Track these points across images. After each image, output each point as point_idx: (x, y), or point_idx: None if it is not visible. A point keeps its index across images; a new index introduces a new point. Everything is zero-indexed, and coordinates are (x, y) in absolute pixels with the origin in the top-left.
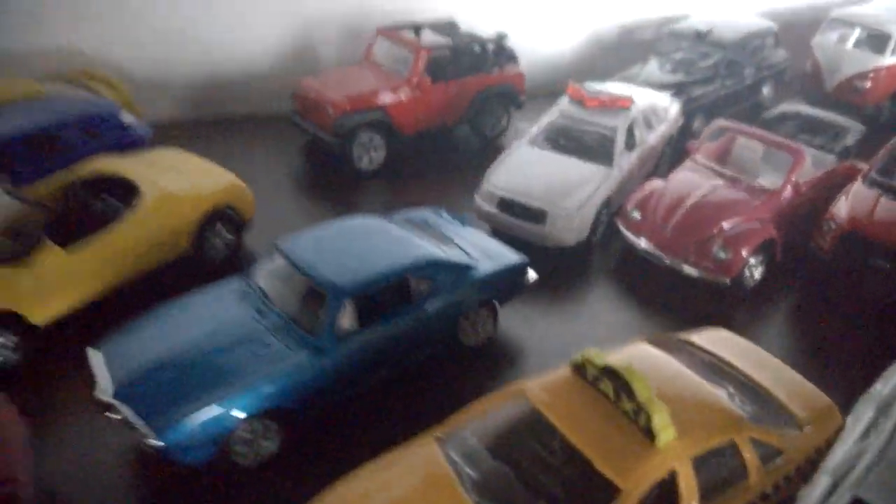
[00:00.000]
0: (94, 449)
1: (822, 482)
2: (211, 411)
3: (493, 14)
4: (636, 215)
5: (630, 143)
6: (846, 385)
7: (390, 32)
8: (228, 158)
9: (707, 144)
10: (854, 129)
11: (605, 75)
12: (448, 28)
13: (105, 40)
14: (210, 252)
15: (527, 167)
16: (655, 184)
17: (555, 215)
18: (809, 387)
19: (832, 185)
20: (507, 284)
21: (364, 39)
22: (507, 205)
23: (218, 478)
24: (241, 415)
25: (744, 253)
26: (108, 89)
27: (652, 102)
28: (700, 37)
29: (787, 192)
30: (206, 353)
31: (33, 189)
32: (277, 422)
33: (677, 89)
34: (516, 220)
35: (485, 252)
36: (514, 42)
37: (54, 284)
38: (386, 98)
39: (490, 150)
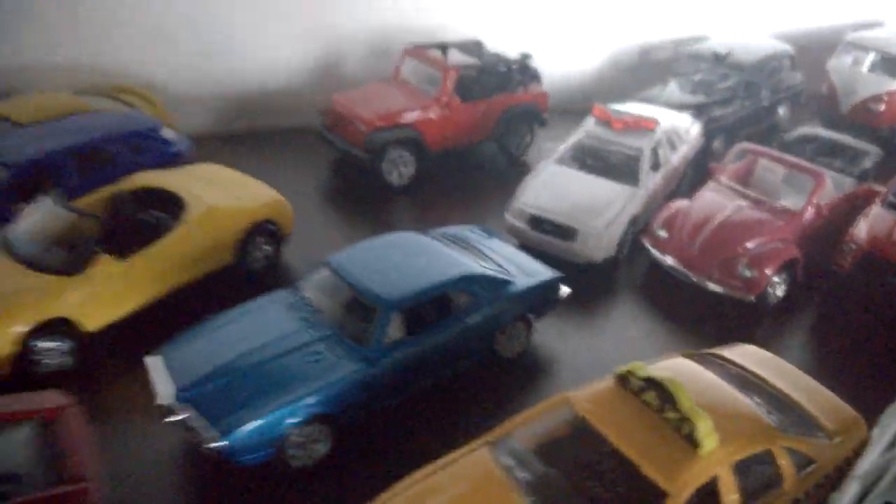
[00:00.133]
0: (143, 450)
1: (852, 488)
2: (270, 416)
3: (513, 34)
4: (662, 233)
5: (655, 164)
6: (865, 398)
7: (418, 52)
8: (258, 171)
9: (730, 166)
10: (872, 153)
11: (622, 95)
12: (474, 48)
13: (137, 56)
14: (252, 264)
15: (556, 186)
16: (680, 203)
17: (585, 233)
18: (836, 400)
19: (851, 207)
20: (542, 299)
21: (387, 57)
22: (537, 222)
23: (267, 479)
24: (296, 419)
25: (768, 271)
26: (144, 104)
27: (674, 124)
28: (719, 59)
29: (809, 213)
30: (262, 362)
31: (81, 202)
32: (328, 426)
33: (697, 110)
34: (546, 236)
35: (520, 267)
36: (536, 62)
37: (107, 293)
38: (416, 116)
39: (514, 167)
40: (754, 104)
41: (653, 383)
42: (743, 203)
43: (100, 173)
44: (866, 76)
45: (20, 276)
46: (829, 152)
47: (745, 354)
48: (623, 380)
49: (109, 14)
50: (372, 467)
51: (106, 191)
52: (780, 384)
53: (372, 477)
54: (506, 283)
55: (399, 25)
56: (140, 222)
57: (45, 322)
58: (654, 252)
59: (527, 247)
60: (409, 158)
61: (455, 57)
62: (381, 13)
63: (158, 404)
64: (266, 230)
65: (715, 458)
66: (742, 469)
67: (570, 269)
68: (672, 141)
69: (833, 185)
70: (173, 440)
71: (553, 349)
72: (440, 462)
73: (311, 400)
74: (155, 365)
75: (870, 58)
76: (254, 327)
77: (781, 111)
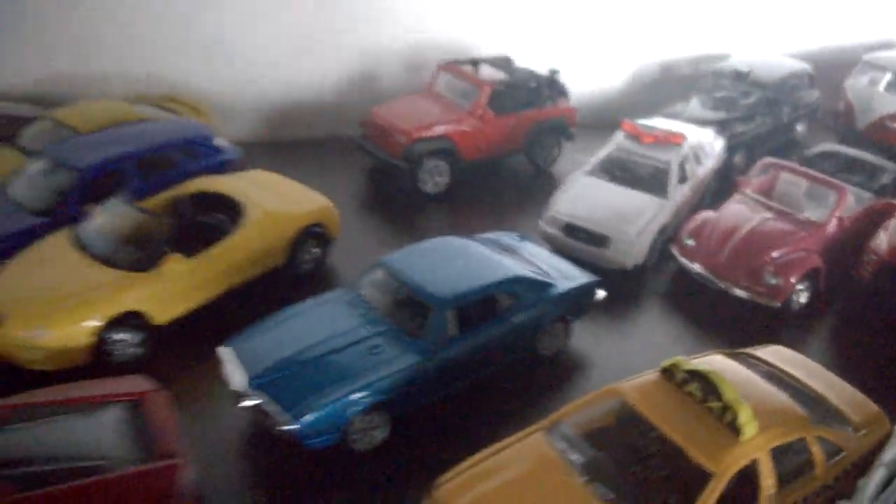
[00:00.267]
0: (210, 433)
1: (879, 473)
2: (337, 403)
3: (539, 50)
4: (690, 242)
5: (682, 177)
6: (886, 396)
7: (452, 67)
8: (299, 179)
9: (755, 179)
10: (889, 169)
11: (645, 110)
12: (504, 63)
13: (194, 68)
14: (301, 266)
15: (589, 196)
16: (707, 214)
17: (617, 240)
18: (861, 396)
19: (870, 221)
20: (580, 301)
21: (420, 71)
22: (571, 229)
23: (328, 461)
24: (359, 406)
25: (793, 279)
26: (193, 113)
27: (699, 139)
28: (741, 77)
29: (833, 225)
30: (327, 353)
31: (144, 204)
32: (387, 414)
33: (720, 126)
34: (579, 243)
35: (559, 271)
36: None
37: (176, 289)
38: (452, 128)
39: (541, 178)
40: (774, 121)
41: (696, 376)
42: (768, 215)
43: (160, 178)
44: (882, 95)
45: (96, 272)
46: (848, 168)
47: (775, 354)
48: (668, 373)
49: (167, 30)
50: (425, 454)
51: (167, 194)
52: (809, 381)
53: (425, 462)
54: (548, 285)
55: (428, 42)
56: (201, 224)
57: (119, 315)
58: (682, 259)
59: (559, 253)
60: (445, 168)
61: (486, 72)
62: (415, 33)
63: (232, 390)
64: (315, 233)
65: (755, 443)
66: (778, 455)
67: (601, 275)
68: (697, 155)
69: (853, 199)
70: (240, 424)
71: (586, 350)
72: (496, 446)
73: (372, 389)
74: (227, 355)
75: (886, 77)
76: (315, 322)
77: (799, 128)
